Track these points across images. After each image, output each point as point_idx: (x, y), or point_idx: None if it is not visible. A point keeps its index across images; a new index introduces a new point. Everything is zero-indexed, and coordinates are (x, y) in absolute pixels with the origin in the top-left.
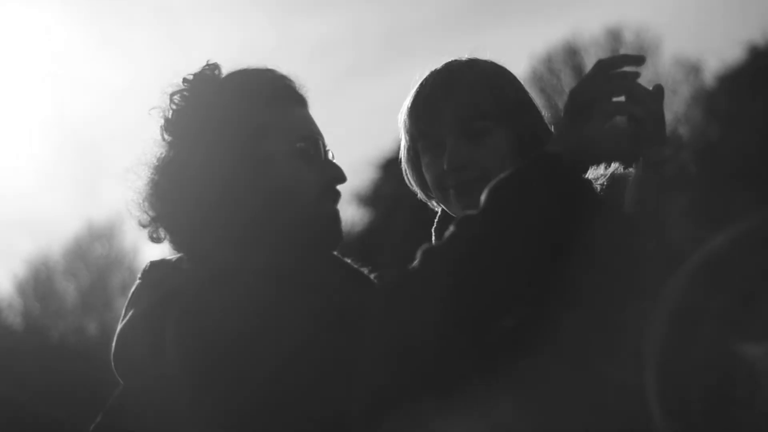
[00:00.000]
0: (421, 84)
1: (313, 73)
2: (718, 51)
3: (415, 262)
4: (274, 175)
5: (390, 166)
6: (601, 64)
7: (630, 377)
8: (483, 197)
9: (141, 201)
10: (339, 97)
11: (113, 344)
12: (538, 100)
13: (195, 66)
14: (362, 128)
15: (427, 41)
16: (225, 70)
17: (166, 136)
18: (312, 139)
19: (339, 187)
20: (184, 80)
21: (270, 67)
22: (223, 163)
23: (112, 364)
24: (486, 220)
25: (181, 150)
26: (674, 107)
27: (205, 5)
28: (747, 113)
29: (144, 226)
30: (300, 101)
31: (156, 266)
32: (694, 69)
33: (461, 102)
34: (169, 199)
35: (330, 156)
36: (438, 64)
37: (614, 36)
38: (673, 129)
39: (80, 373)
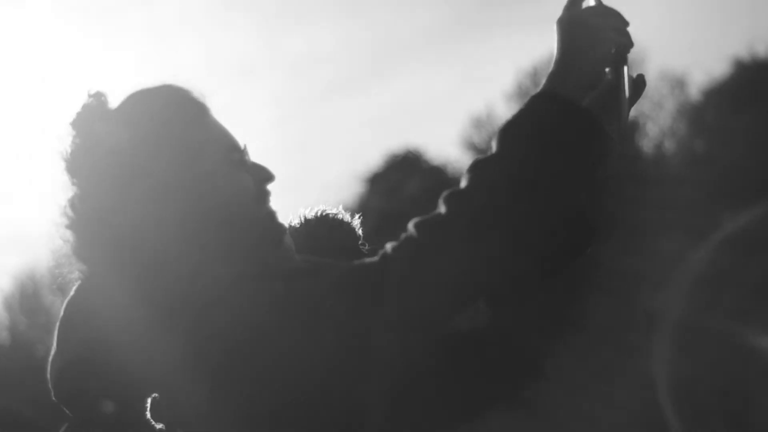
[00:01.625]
0: None
1: (300, 87)
2: (704, 65)
3: (438, 214)
4: (218, 190)
5: (377, 180)
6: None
7: (627, 396)
8: (493, 141)
9: (68, 253)
10: (325, 110)
11: (59, 371)
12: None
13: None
14: (348, 142)
15: (413, 55)
16: (110, 97)
17: (73, 180)
18: (239, 147)
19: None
20: (75, 118)
21: (163, 82)
22: (154, 193)
23: (57, 392)
24: (505, 167)
25: (95, 190)
26: (660, 121)
27: (192, 19)
28: (732, 127)
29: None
30: (206, 109)
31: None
32: (679, 83)
33: None
34: (100, 245)
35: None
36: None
37: None
38: (659, 143)
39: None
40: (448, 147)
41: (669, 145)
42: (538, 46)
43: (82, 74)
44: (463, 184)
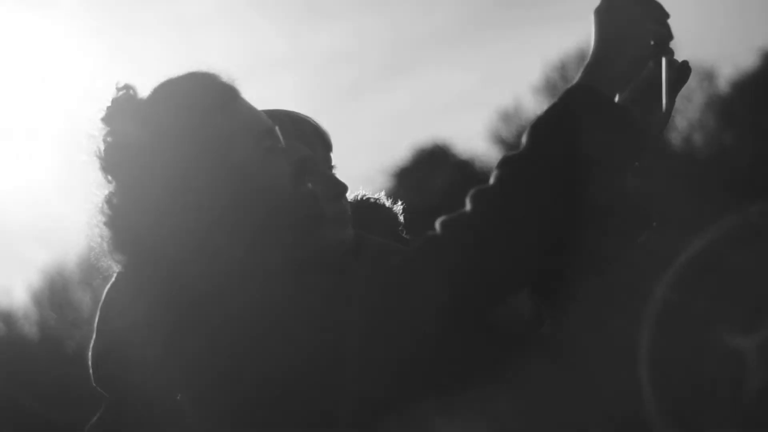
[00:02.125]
0: None
1: (327, 83)
2: (732, 57)
3: (463, 215)
4: (254, 179)
5: (404, 175)
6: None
7: (622, 378)
8: (524, 137)
9: (107, 250)
10: (352, 106)
11: (97, 356)
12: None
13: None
14: (376, 137)
15: (437, 50)
16: (140, 89)
17: (108, 178)
18: (271, 130)
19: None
20: (105, 114)
21: (189, 71)
22: (192, 185)
23: (98, 375)
24: (537, 164)
25: (132, 186)
26: (688, 114)
27: (216, 16)
28: (761, 119)
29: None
30: (234, 94)
31: (138, 273)
32: (708, 75)
33: None
34: (143, 239)
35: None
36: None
37: None
38: (688, 135)
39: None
40: (476, 141)
41: (698, 138)
42: (565, 40)
43: (106, 70)
44: (493, 181)
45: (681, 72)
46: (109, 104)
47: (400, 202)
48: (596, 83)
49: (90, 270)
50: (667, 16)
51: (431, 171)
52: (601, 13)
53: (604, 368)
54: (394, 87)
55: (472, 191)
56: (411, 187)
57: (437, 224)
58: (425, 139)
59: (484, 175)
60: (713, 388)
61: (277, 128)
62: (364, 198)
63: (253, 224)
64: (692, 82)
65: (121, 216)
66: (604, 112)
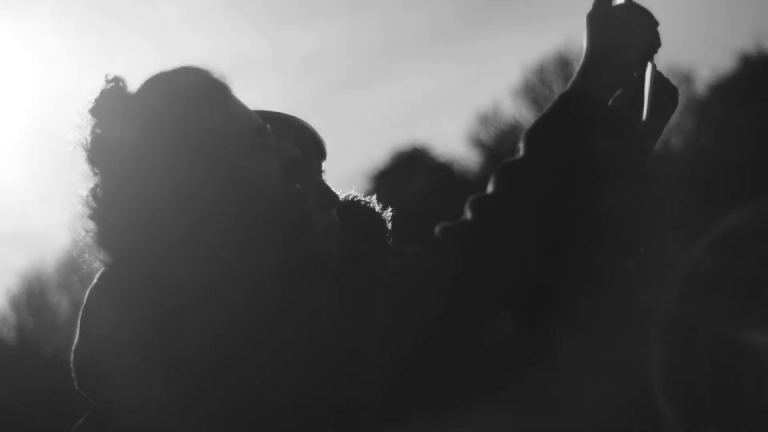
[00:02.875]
0: None
1: (307, 85)
2: (710, 60)
3: (463, 223)
4: (245, 177)
5: (384, 177)
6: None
7: (620, 389)
8: (522, 144)
9: (92, 244)
10: (332, 108)
11: (81, 359)
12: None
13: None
14: (355, 140)
15: (416, 52)
16: (129, 82)
17: (94, 169)
18: (261, 128)
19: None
20: (94, 107)
21: (181, 65)
22: (183, 183)
23: (81, 379)
24: (535, 172)
25: (122, 180)
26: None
27: (197, 18)
28: (739, 122)
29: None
30: (225, 91)
31: (123, 274)
32: (686, 78)
33: None
34: (125, 233)
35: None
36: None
37: None
38: (666, 139)
39: (74, 387)
40: (455, 144)
41: (676, 141)
42: (544, 43)
43: (84, 73)
44: (492, 189)
45: (665, 84)
46: (97, 96)
47: (390, 209)
48: (591, 88)
49: (68, 274)
50: (656, 24)
51: (410, 174)
52: (594, 19)
53: (596, 383)
54: (373, 90)
55: (471, 198)
56: (390, 189)
57: (437, 231)
58: (404, 141)
59: (462, 178)
60: (731, 388)
61: (267, 126)
62: (355, 199)
63: (241, 223)
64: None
65: (105, 210)
66: (602, 118)
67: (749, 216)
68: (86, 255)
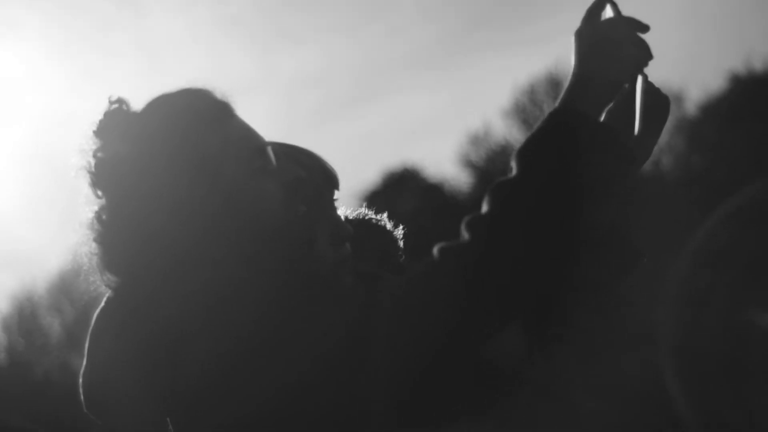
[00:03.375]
0: None
1: (295, 106)
2: (701, 80)
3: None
4: (242, 200)
5: (374, 198)
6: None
7: (607, 408)
8: (513, 163)
9: (94, 266)
10: (322, 129)
11: (88, 383)
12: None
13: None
14: (345, 161)
15: (406, 73)
16: (133, 103)
17: (98, 193)
18: (263, 150)
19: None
20: (97, 129)
21: (184, 86)
22: (186, 202)
23: (88, 404)
24: (529, 190)
25: (121, 202)
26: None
27: (184, 39)
28: (730, 142)
29: (112, 288)
30: (227, 111)
31: (127, 298)
32: (676, 98)
33: None
34: (127, 256)
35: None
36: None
37: None
38: (657, 159)
39: (65, 408)
40: (446, 165)
41: (666, 162)
42: (535, 64)
43: (73, 94)
44: (486, 209)
45: (657, 96)
46: (100, 118)
47: (401, 227)
48: (579, 105)
49: (59, 296)
50: (645, 29)
51: (401, 195)
52: (582, 36)
53: (592, 402)
54: (364, 110)
55: (467, 219)
56: (381, 210)
57: (435, 252)
58: (395, 162)
59: (453, 198)
60: (740, 364)
61: (269, 148)
62: (366, 218)
63: (240, 244)
64: None
65: (111, 233)
66: (591, 134)
67: (759, 194)
68: (92, 277)
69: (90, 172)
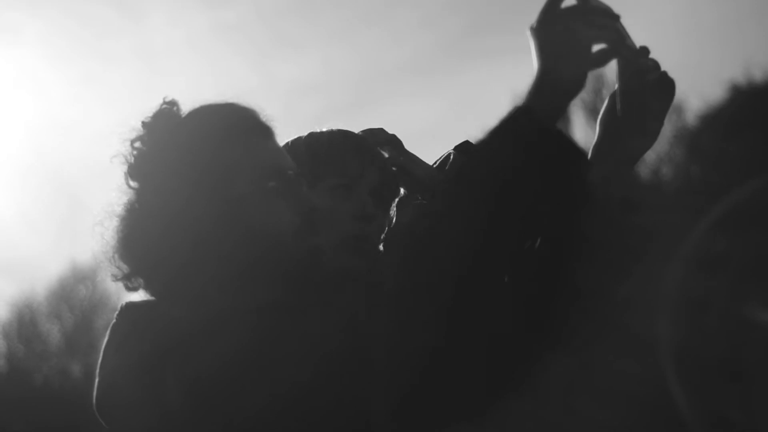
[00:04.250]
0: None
1: (293, 113)
2: (700, 90)
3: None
4: (247, 216)
5: None
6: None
7: (608, 414)
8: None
9: (112, 254)
10: None
11: (97, 391)
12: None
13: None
14: None
15: (405, 80)
16: (184, 107)
17: (131, 183)
18: (283, 174)
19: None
20: (143, 123)
21: (232, 100)
22: (194, 208)
23: (97, 411)
24: (457, 193)
25: (148, 197)
26: (657, 146)
27: (183, 46)
28: (729, 152)
29: (118, 279)
30: (266, 133)
31: (135, 308)
32: (676, 109)
33: None
34: (142, 249)
35: (304, 186)
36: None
37: (596, 75)
38: (656, 169)
39: (64, 415)
40: None
41: (666, 171)
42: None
43: (73, 102)
44: (432, 206)
45: (642, 78)
46: (151, 116)
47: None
48: (535, 102)
49: (58, 303)
50: (615, 18)
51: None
52: (536, 30)
53: (593, 408)
54: (362, 118)
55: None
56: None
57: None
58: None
59: None
60: (740, 363)
61: (292, 173)
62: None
63: (238, 258)
64: None
65: (135, 222)
66: (536, 135)
67: (750, 195)
68: (106, 263)
69: (128, 163)
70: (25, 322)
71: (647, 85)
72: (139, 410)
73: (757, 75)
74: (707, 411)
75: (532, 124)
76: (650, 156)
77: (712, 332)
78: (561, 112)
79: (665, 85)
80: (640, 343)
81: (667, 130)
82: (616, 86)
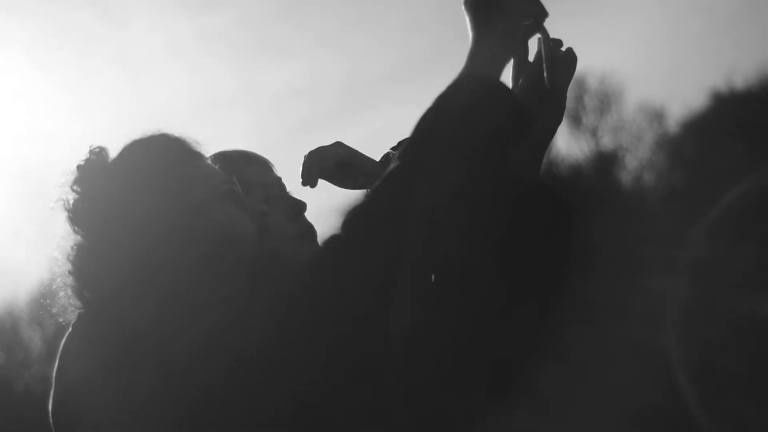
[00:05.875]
0: None
1: (278, 120)
2: (682, 97)
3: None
4: (210, 221)
5: None
6: None
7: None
8: (413, 128)
9: (71, 295)
10: (305, 143)
11: (54, 402)
12: None
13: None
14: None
15: (392, 85)
16: (112, 152)
17: (75, 228)
18: (230, 180)
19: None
20: (76, 168)
21: (158, 131)
22: (150, 228)
23: (55, 423)
24: (412, 157)
25: (97, 236)
26: (639, 153)
27: (164, 54)
28: (711, 159)
29: (79, 309)
30: (199, 155)
31: (91, 319)
32: (658, 116)
33: None
34: (100, 283)
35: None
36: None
37: (578, 83)
38: (638, 175)
39: (46, 422)
40: None
41: (648, 178)
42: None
43: (51, 108)
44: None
45: (557, 51)
46: (81, 164)
47: None
48: (475, 68)
49: (39, 310)
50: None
51: None
52: (469, 2)
53: (590, 413)
54: (349, 123)
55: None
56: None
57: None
58: None
59: None
60: (746, 354)
61: (235, 182)
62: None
63: (206, 263)
64: (642, 121)
65: (86, 264)
66: (481, 93)
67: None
68: (63, 301)
69: (68, 210)
70: (6, 329)
71: (559, 61)
72: (110, 411)
73: (739, 83)
74: (720, 412)
75: (479, 82)
76: (632, 163)
77: (714, 337)
78: (496, 76)
79: (570, 61)
80: (636, 351)
81: (649, 136)
82: (543, 56)
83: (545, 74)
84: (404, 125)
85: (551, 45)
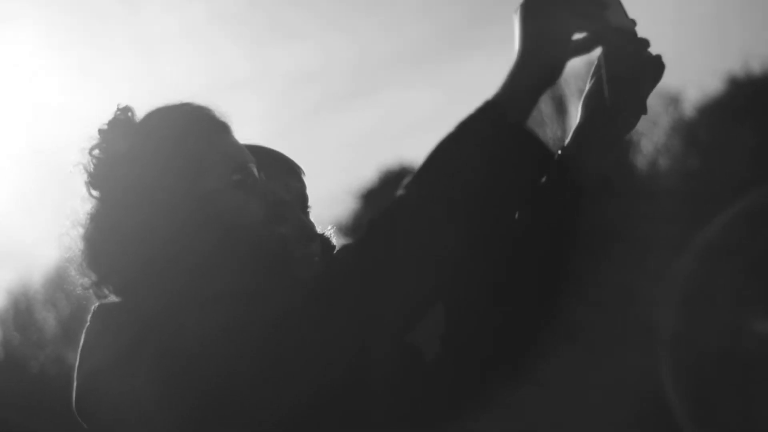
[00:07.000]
0: None
1: (291, 103)
2: (698, 82)
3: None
4: (216, 211)
5: (371, 196)
6: None
7: (616, 403)
8: (428, 153)
9: (79, 264)
10: (316, 126)
11: (76, 394)
12: None
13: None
14: (341, 158)
15: (403, 69)
16: (139, 112)
17: (92, 192)
18: (246, 168)
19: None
20: (100, 131)
21: (186, 100)
22: (161, 209)
23: (78, 414)
24: (424, 186)
25: (112, 203)
26: (654, 138)
27: (179, 35)
28: (726, 144)
29: (87, 288)
30: (223, 128)
31: (107, 309)
32: (673, 100)
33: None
34: (110, 256)
35: (263, 179)
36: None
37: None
38: (654, 159)
39: (61, 403)
40: None
41: (663, 162)
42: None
43: (69, 89)
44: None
45: (624, 62)
46: (106, 124)
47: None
48: (510, 93)
49: (54, 290)
50: (603, 6)
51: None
52: (522, 11)
53: (595, 399)
54: (360, 107)
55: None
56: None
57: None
58: (392, 160)
59: None
60: (739, 372)
61: (253, 167)
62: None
63: (208, 252)
64: (657, 106)
65: (100, 231)
66: (505, 133)
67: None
68: (74, 274)
69: (88, 172)
70: (21, 309)
71: (638, 70)
72: (121, 406)
73: (755, 67)
74: (701, 412)
75: (500, 119)
76: (647, 147)
77: (712, 325)
78: (535, 99)
79: (655, 68)
80: (643, 335)
81: (665, 121)
82: (603, 71)
83: (605, 86)
84: (415, 108)
85: (620, 54)
